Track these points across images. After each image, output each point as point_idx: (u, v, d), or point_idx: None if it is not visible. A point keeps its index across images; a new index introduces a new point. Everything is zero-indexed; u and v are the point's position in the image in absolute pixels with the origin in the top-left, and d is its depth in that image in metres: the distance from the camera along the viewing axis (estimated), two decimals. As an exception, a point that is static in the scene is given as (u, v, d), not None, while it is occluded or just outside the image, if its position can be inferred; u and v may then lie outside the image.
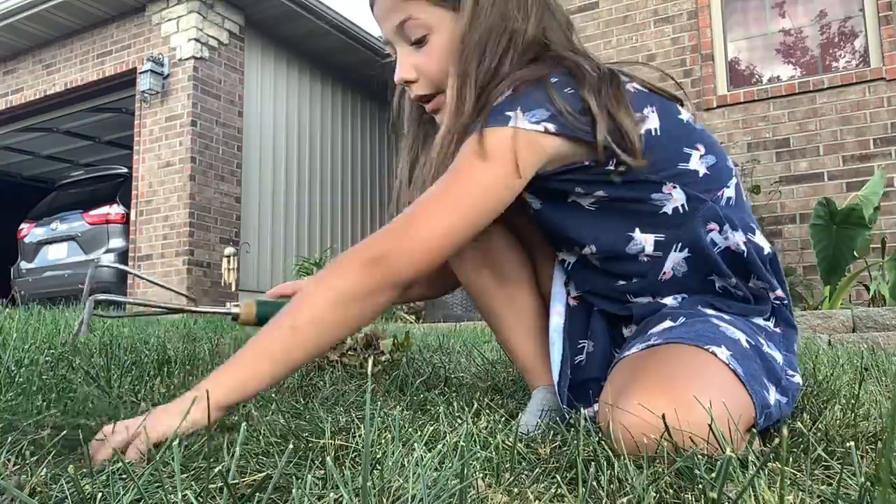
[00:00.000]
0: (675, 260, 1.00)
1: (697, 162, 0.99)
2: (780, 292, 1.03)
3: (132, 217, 7.18)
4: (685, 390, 0.79)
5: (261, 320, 1.04)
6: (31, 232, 7.93)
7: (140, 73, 7.05)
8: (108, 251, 7.28)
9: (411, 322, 5.08)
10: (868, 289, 4.04)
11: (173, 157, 6.93)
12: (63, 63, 7.91)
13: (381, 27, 1.04)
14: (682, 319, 0.96)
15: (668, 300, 1.02)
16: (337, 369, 1.60)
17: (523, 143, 0.89)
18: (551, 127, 0.89)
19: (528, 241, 1.16)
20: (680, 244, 0.99)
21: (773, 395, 0.90)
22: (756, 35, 5.29)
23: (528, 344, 1.13)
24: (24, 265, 7.89)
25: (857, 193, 3.95)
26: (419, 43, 0.99)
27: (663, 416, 0.75)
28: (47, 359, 1.37)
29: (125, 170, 7.76)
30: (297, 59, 8.29)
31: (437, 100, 1.01)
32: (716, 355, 0.87)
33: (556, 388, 1.03)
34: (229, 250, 6.91)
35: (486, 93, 0.95)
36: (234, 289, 7.00)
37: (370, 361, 1.05)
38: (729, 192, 1.00)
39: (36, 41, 8.00)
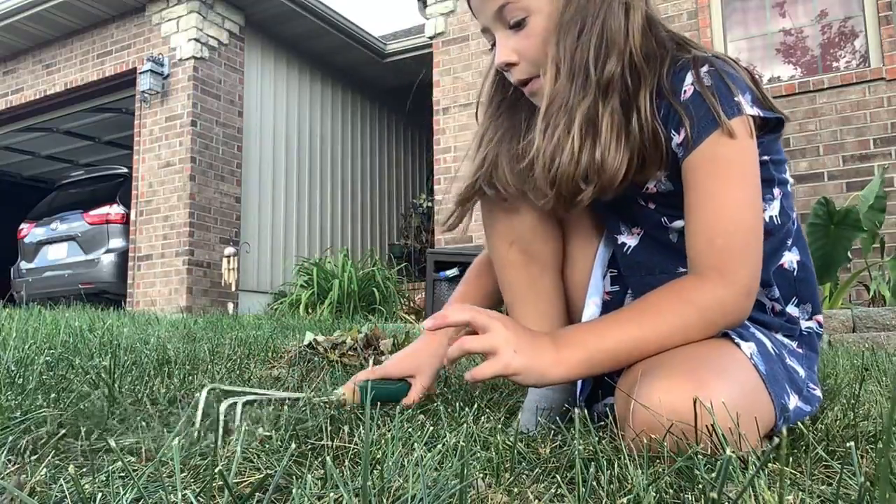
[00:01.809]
0: None
1: (789, 175, 1.02)
2: (820, 317, 1.05)
3: (132, 217, 7.18)
4: (710, 382, 0.79)
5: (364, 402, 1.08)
6: (31, 232, 7.93)
7: (140, 73, 7.05)
8: (108, 251, 7.29)
9: (411, 322, 5.09)
10: (868, 289, 4.04)
11: (173, 157, 6.93)
12: (63, 63, 7.91)
13: (478, 15, 1.04)
14: None
15: None
16: (337, 369, 1.60)
17: (749, 127, 0.91)
18: (760, 112, 0.92)
19: (570, 230, 1.15)
20: None
21: (793, 402, 0.90)
22: (756, 35, 5.29)
23: (539, 328, 1.13)
24: (24, 265, 7.89)
25: (858, 193, 3.95)
26: (518, 26, 0.98)
27: (695, 402, 0.75)
28: (47, 359, 1.37)
29: (125, 170, 7.77)
30: (297, 59, 8.29)
31: (535, 82, 1.01)
32: (740, 348, 0.88)
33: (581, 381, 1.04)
34: (229, 250, 6.91)
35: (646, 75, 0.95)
36: (234, 289, 7.00)
37: (370, 361, 1.05)
38: (794, 214, 1.03)
39: (36, 41, 8.01)
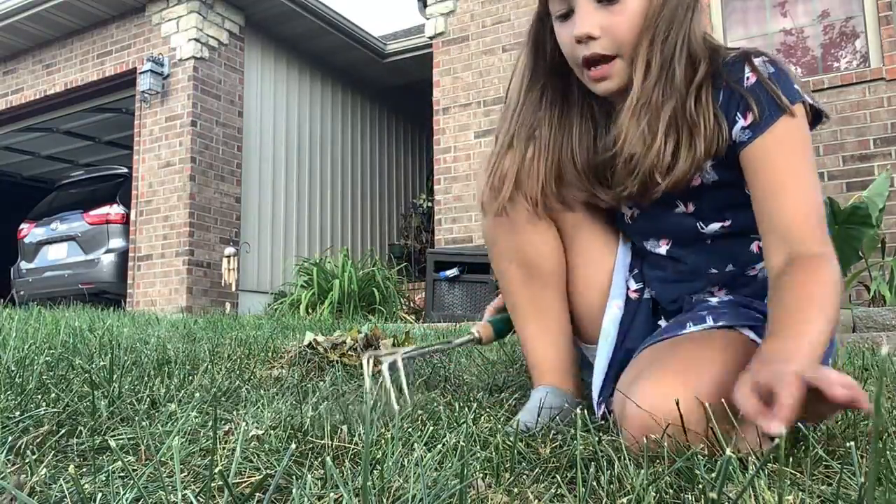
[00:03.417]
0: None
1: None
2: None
3: (132, 217, 7.18)
4: (701, 377, 0.81)
5: (498, 335, 1.23)
6: (31, 232, 7.93)
7: (140, 73, 7.05)
8: (108, 251, 7.28)
9: (411, 322, 5.08)
10: (868, 289, 4.04)
11: (173, 157, 6.93)
12: (63, 63, 7.91)
13: None
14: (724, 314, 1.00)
15: (714, 300, 1.06)
16: (337, 369, 1.60)
17: (807, 112, 0.95)
18: (811, 101, 0.95)
19: (581, 242, 1.15)
20: None
21: None
22: (756, 35, 5.29)
23: (541, 343, 1.14)
24: (24, 265, 7.89)
25: (859, 194, 3.95)
26: (610, 2, 0.97)
27: (677, 402, 0.76)
28: (47, 359, 1.37)
29: (125, 170, 7.76)
30: (297, 59, 8.29)
31: (608, 67, 0.99)
32: (744, 334, 0.90)
33: (598, 378, 1.05)
34: (229, 250, 6.91)
35: (704, 66, 0.97)
36: (234, 289, 7.00)
37: (371, 361, 1.05)
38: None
39: (36, 41, 8.00)
